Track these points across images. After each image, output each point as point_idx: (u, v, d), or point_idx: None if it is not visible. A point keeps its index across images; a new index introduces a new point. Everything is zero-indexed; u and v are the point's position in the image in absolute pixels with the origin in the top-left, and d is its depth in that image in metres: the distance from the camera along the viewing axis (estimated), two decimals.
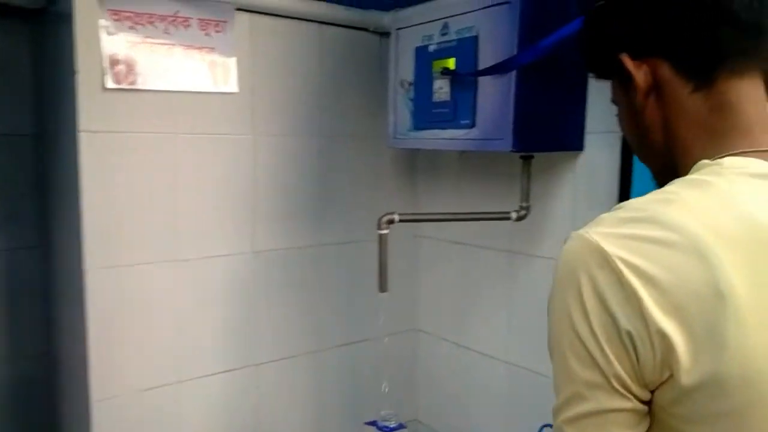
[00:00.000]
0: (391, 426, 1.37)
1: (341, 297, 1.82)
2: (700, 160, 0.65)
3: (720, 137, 0.66)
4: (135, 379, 1.49)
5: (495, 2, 1.35)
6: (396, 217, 1.38)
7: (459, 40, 1.44)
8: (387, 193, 1.87)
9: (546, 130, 1.36)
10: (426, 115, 1.54)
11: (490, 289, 1.72)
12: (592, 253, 0.58)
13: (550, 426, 1.46)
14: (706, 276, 0.54)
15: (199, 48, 1.53)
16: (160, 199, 1.49)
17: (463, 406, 1.84)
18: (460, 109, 1.44)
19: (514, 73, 1.30)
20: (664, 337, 0.54)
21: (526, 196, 1.45)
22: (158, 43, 1.45)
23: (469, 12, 1.41)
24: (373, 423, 1.40)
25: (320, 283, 1.77)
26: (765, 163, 0.63)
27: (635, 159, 1.25)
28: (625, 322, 0.56)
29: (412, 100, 1.60)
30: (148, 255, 1.48)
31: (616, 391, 0.57)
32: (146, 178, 1.46)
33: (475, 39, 1.40)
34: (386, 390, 1.42)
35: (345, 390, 1.86)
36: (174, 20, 1.47)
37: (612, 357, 0.57)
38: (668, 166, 0.71)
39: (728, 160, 0.63)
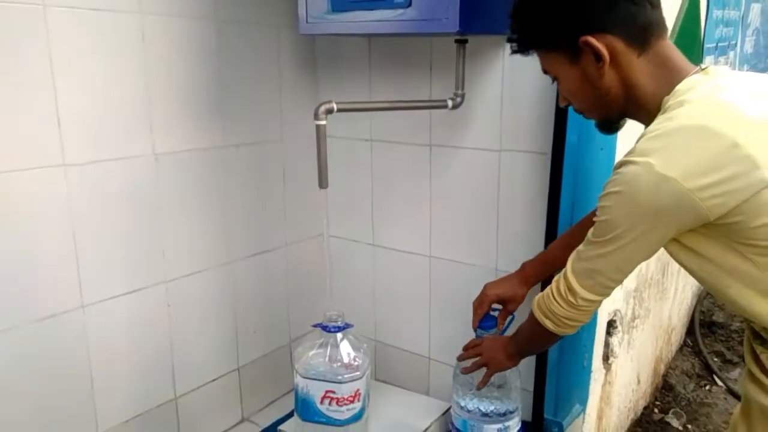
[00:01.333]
0: (339, 325, 1.31)
1: (251, 203, 1.68)
2: (664, 97, 0.92)
3: (671, 79, 0.92)
4: (30, 308, 1.25)
5: None
6: (334, 106, 1.26)
7: None
8: (287, 88, 1.72)
9: (485, 10, 1.31)
10: None
11: (408, 185, 1.69)
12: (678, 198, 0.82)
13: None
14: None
15: None
16: (32, 90, 1.21)
17: (385, 304, 1.84)
18: None
19: None
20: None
21: (461, 82, 1.40)
22: None
23: None
24: (319, 325, 1.33)
25: (227, 188, 1.60)
26: None
27: None
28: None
29: None
30: (25, 160, 1.21)
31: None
32: (10, 64, 1.17)
33: None
34: (331, 296, 1.35)
35: (260, 301, 1.75)
36: None
37: None
38: (622, 113, 1.01)
39: (686, 80, 0.91)
